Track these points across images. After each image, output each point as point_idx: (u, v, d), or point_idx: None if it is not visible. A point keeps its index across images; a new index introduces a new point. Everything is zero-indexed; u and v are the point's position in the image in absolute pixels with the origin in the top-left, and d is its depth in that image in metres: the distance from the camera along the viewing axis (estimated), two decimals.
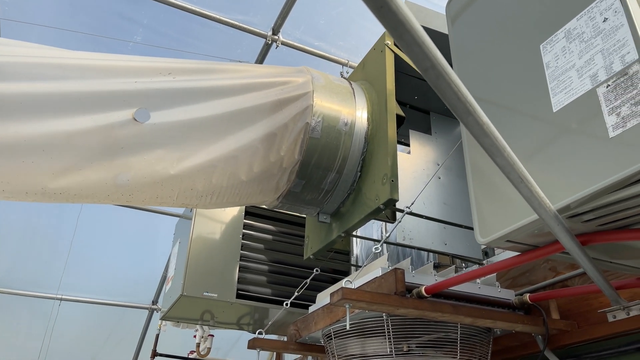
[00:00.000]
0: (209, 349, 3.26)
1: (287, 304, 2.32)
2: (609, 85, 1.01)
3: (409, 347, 1.81)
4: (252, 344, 2.13)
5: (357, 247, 3.79)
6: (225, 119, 1.77)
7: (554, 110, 1.12)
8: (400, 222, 1.89)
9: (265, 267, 2.91)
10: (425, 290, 1.56)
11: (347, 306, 1.49)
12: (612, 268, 1.35)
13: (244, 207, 3.00)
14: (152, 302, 3.77)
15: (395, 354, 1.76)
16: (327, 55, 2.74)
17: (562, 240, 1.07)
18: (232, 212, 2.97)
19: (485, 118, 0.67)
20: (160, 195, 1.76)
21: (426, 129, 2.43)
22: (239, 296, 2.74)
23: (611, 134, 0.98)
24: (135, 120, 1.62)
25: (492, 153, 0.73)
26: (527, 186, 0.81)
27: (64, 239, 3.34)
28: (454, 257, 2.23)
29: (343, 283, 1.51)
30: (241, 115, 1.79)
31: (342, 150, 1.93)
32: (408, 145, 2.32)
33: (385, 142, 1.86)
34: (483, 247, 2.56)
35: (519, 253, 1.27)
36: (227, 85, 1.80)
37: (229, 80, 1.82)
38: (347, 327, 1.52)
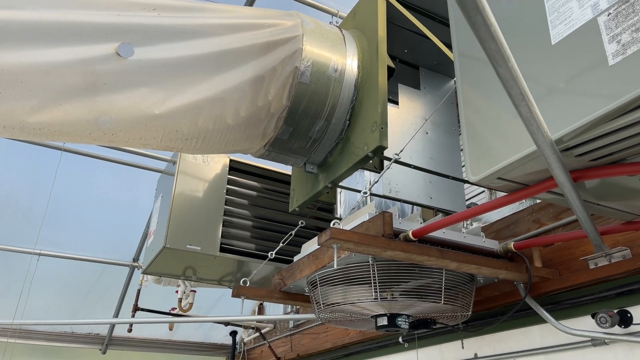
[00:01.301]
0: (191, 304, 3.26)
1: (272, 254, 2.31)
2: (610, 13, 0.99)
3: (393, 294, 1.83)
4: (237, 292, 2.13)
5: (342, 208, 3.79)
6: (212, 59, 1.71)
7: (553, 43, 1.10)
8: (388, 169, 1.88)
9: (250, 223, 2.89)
10: (413, 233, 1.56)
11: (334, 246, 1.49)
12: (599, 212, 1.36)
13: (228, 163, 2.96)
14: (133, 259, 3.74)
15: (380, 299, 1.77)
16: (316, 4, 2.67)
17: (555, 173, 1.06)
18: (216, 168, 2.93)
19: (493, 19, 0.64)
20: (144, 137, 1.71)
21: (415, 85, 2.40)
22: (222, 250, 2.72)
23: (611, 62, 0.97)
24: (118, 55, 1.55)
25: (497, 62, 0.70)
26: (527, 105, 0.79)
27: (42, 193, 3.27)
28: (438, 211, 2.24)
29: (331, 224, 1.50)
30: (228, 56, 1.73)
31: (331, 97, 1.90)
32: (396, 102, 2.29)
33: (376, 89, 1.83)
34: (468, 202, 2.58)
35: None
36: (215, 24, 1.74)
37: (217, 19, 1.76)
38: (335, 266, 1.52)
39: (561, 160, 1.03)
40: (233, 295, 2.14)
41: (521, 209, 2.08)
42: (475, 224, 2.41)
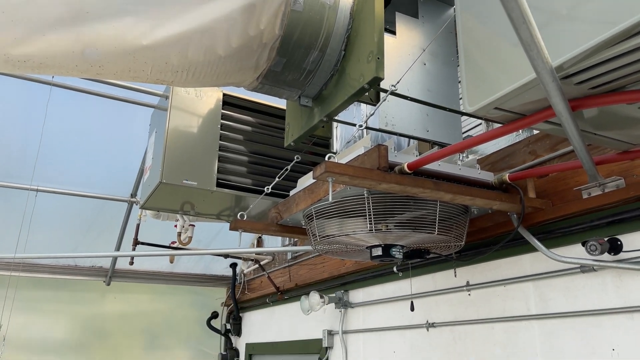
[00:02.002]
0: (190, 238, 3.32)
1: (268, 189, 2.32)
2: None
3: (387, 226, 1.85)
4: (234, 225, 2.16)
5: (337, 142, 3.78)
6: None
7: None
8: (384, 101, 1.85)
9: (245, 158, 2.88)
10: (408, 166, 1.56)
11: (330, 180, 1.49)
12: (595, 141, 1.35)
13: (221, 97, 2.90)
14: (131, 195, 3.76)
15: (375, 231, 1.80)
16: None
17: (553, 102, 1.04)
18: (210, 103, 2.87)
19: None
20: (132, 69, 1.66)
21: (413, 13, 2.31)
22: (219, 185, 2.72)
23: None
24: None
25: None
26: (527, 28, 0.76)
27: (35, 129, 3.23)
28: (435, 144, 2.23)
29: (326, 158, 1.49)
30: None
31: (326, 26, 1.83)
32: (393, 32, 2.21)
33: (372, 18, 1.76)
34: (464, 135, 2.56)
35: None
36: None
37: None
38: (330, 200, 1.53)
39: (560, 88, 1.01)
40: (231, 229, 2.17)
41: (517, 140, 2.07)
42: (471, 157, 2.41)
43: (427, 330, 2.37)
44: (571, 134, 1.18)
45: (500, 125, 1.28)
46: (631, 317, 1.55)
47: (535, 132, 2.05)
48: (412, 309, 2.11)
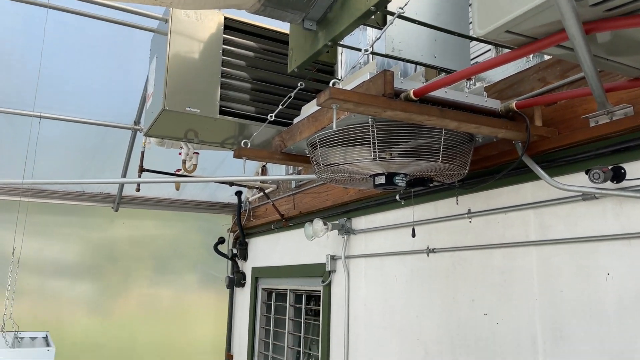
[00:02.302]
0: (195, 165, 3.34)
1: (271, 116, 2.30)
2: None
3: (391, 154, 1.85)
4: (238, 153, 2.16)
5: (342, 69, 3.69)
6: None
7: None
8: (391, 24, 1.78)
9: (248, 85, 2.83)
10: (414, 92, 1.53)
11: (334, 107, 1.47)
12: (607, 67, 1.32)
13: (222, 21, 2.81)
14: (134, 122, 3.75)
15: (379, 159, 1.81)
16: None
17: (567, 24, 1.00)
18: (211, 27, 2.78)
19: None
20: None
21: None
22: (222, 112, 2.70)
23: None
24: None
25: None
26: None
27: (33, 55, 3.16)
28: (442, 70, 2.18)
29: (330, 84, 1.46)
30: None
31: None
32: None
33: None
34: (473, 62, 2.49)
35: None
36: None
37: None
38: (334, 127, 1.52)
39: (575, 9, 0.96)
40: (235, 157, 2.18)
41: (527, 67, 2.01)
42: (478, 84, 2.36)
43: (427, 255, 2.44)
44: (583, 58, 1.15)
45: (510, 49, 1.24)
46: (628, 243, 1.58)
47: (546, 58, 1.99)
48: (414, 235, 2.16)
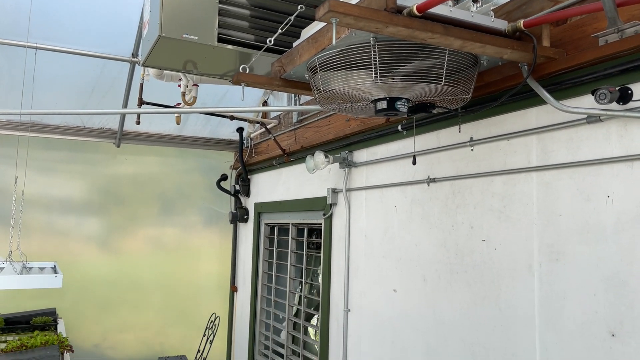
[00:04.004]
0: (195, 98, 3.29)
1: (270, 41, 2.23)
2: None
3: (393, 78, 1.80)
4: (237, 79, 2.12)
5: None
6: None
7: None
8: None
9: (247, 12, 2.73)
10: (417, 8, 1.47)
11: (333, 21, 1.41)
12: None
13: None
14: (132, 54, 3.66)
15: (380, 82, 1.76)
16: None
17: None
18: None
19: None
20: None
21: None
22: (220, 40, 2.62)
23: None
24: None
25: None
26: None
27: None
28: None
29: None
30: None
31: None
32: None
33: None
34: None
35: None
36: None
37: None
38: (334, 43, 1.47)
39: None
40: (233, 82, 2.14)
41: None
42: (485, 5, 2.26)
43: (428, 185, 2.44)
44: None
45: None
46: (631, 165, 1.56)
47: None
48: (414, 162, 2.14)
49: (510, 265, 1.97)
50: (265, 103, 4.46)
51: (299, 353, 3.73)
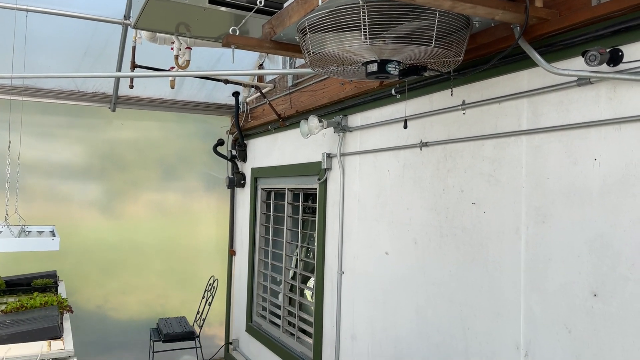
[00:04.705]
0: (188, 61, 3.25)
1: (260, 2, 2.20)
2: None
3: (384, 40, 1.78)
4: (227, 41, 2.09)
5: None
6: None
7: None
8: None
9: None
10: None
11: None
12: None
13: None
14: (124, 16, 3.60)
15: (370, 43, 1.74)
16: None
17: None
18: None
19: None
20: None
21: None
22: (212, 1, 2.57)
23: None
24: None
25: None
26: None
27: None
28: None
29: None
30: None
31: None
32: None
33: None
34: None
35: None
36: None
37: None
38: (320, 3, 1.44)
39: None
40: (223, 45, 2.11)
41: None
42: None
43: (420, 149, 2.44)
44: None
45: None
46: (619, 127, 1.56)
47: None
48: (405, 126, 2.14)
49: (499, 228, 1.99)
50: (261, 67, 4.41)
51: (295, 314, 3.82)
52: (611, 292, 1.57)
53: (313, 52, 1.93)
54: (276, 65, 4.13)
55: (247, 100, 4.66)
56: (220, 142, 5.01)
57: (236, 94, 4.70)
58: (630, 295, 1.52)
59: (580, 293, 1.67)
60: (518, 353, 1.89)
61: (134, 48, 3.38)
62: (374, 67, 1.90)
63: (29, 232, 3.38)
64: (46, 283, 3.63)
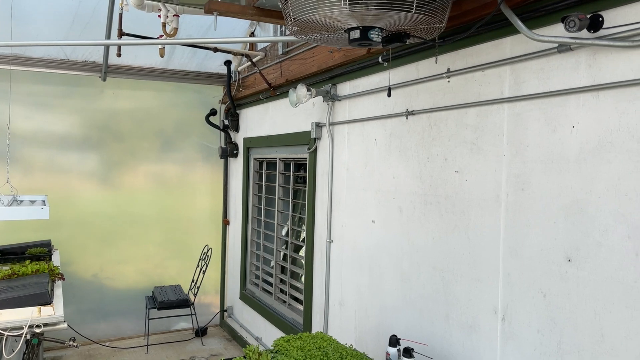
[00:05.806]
0: (176, 29, 3.21)
1: None
2: None
3: (367, 6, 1.76)
4: (208, 7, 2.07)
5: None
6: None
7: None
8: None
9: None
10: None
11: None
12: None
13: None
14: None
15: (351, 9, 1.72)
16: None
17: None
18: None
19: None
20: None
21: None
22: None
23: None
24: None
25: None
26: None
27: None
28: None
29: None
30: None
31: None
32: None
33: None
34: None
35: None
36: None
37: None
38: None
39: None
40: (205, 11, 2.09)
41: None
42: None
43: (407, 118, 2.44)
44: None
45: None
46: (597, 95, 1.56)
47: None
48: (389, 94, 2.13)
49: (480, 195, 2.01)
50: (252, 35, 4.35)
51: (286, 282, 3.88)
52: (584, 257, 1.60)
53: (294, 19, 1.91)
54: (267, 33, 4.08)
55: (239, 69, 4.62)
56: (213, 112, 4.99)
57: (228, 63, 4.66)
58: (602, 261, 1.55)
59: (555, 258, 1.70)
60: (496, 317, 1.93)
61: (120, 15, 3.34)
62: (356, 34, 1.89)
63: (21, 201, 3.41)
64: (40, 252, 3.67)
